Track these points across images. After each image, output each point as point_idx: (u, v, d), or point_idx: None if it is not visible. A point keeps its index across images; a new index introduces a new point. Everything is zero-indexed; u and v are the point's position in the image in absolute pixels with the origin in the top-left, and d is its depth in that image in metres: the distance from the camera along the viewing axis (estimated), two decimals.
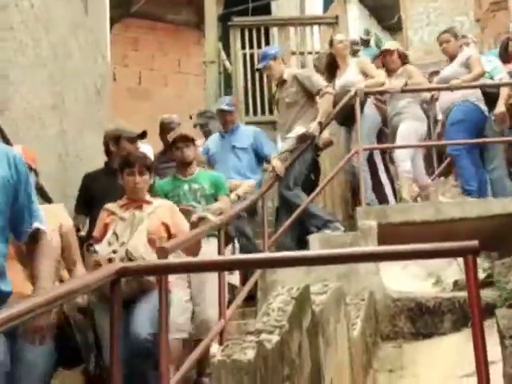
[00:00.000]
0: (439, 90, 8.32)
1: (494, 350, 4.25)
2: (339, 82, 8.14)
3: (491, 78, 8.41)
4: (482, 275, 7.48)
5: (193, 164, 6.10)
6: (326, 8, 14.42)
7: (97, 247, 4.70)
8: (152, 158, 6.51)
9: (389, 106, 8.10)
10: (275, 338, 3.89)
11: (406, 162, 7.90)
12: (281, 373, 3.89)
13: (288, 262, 3.52)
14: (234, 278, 6.33)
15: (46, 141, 5.96)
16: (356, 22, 18.63)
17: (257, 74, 10.52)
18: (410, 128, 7.88)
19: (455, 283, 7.67)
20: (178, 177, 6.12)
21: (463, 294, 6.93)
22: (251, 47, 10.55)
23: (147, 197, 5.15)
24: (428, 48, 16.70)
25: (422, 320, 6.86)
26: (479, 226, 7.28)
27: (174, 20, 14.26)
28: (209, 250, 5.51)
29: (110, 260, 4.55)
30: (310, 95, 7.59)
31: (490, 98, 8.07)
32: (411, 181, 8.12)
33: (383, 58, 8.35)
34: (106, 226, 4.92)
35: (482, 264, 7.96)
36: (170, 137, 6.18)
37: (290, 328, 4.12)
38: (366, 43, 12.02)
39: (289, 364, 4.05)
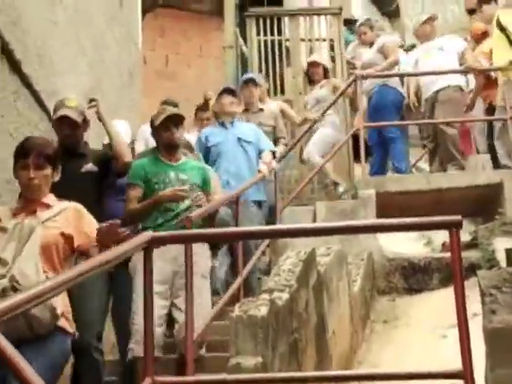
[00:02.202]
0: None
1: (478, 304, 4.34)
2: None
3: None
4: (467, 238, 7.54)
5: (179, 149, 4.76)
6: None
7: None
8: (129, 135, 5.37)
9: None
10: (285, 295, 4.00)
11: (317, 156, 7.78)
12: (290, 326, 4.00)
13: (299, 233, 3.56)
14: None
15: None
16: (358, 9, 18.49)
17: (270, 58, 10.54)
18: (323, 135, 7.80)
19: (443, 245, 7.73)
20: (161, 159, 4.65)
21: (449, 254, 6.99)
22: (265, 34, 10.55)
23: (48, 198, 3.52)
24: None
25: (413, 277, 6.93)
26: (466, 195, 7.31)
27: (197, 9, 14.28)
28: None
29: None
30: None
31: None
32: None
33: (310, 68, 8.26)
34: None
35: (468, 228, 8.01)
36: (157, 117, 4.69)
37: (298, 287, 4.22)
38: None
39: (297, 318, 4.15)
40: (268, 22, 10.56)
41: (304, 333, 4.26)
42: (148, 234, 3.04)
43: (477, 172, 7.58)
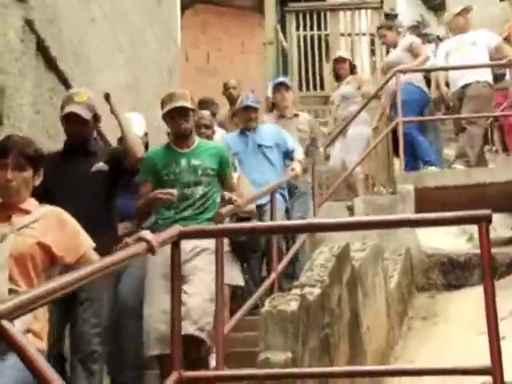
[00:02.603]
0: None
1: None
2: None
3: None
4: (509, 233, 7.43)
5: (192, 134, 4.49)
6: None
7: None
8: (142, 128, 5.02)
9: (342, 111, 7.84)
10: (317, 290, 3.95)
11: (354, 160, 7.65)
12: (321, 321, 3.96)
13: (336, 228, 3.56)
14: (238, 277, 5.01)
15: None
16: (404, 3, 18.26)
17: (309, 53, 10.52)
18: (358, 133, 7.68)
19: None
20: (173, 148, 4.46)
21: (491, 250, 6.89)
22: (305, 29, 10.54)
23: (28, 204, 3.08)
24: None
25: (453, 273, 6.86)
26: (507, 190, 7.18)
27: (239, 5, 14.29)
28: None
29: None
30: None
31: (427, 81, 8.00)
32: (363, 180, 8.02)
33: (336, 64, 8.12)
34: None
35: (510, 223, 7.90)
36: (163, 105, 4.46)
37: (330, 282, 4.17)
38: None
39: (329, 313, 4.11)
40: (308, 16, 10.56)
41: (337, 328, 4.21)
42: (176, 228, 3.05)
43: None
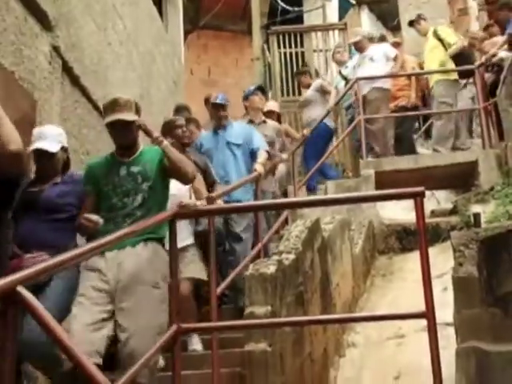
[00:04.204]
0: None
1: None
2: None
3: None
4: (450, 206, 7.41)
5: (136, 144, 3.41)
6: (340, 15, 13.98)
7: None
8: (59, 143, 3.46)
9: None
10: (292, 256, 3.96)
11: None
12: (296, 280, 3.96)
13: (311, 204, 3.80)
14: (201, 272, 4.28)
15: None
16: (366, 24, 18.21)
17: (289, 66, 10.47)
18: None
19: (432, 212, 7.60)
20: (115, 157, 3.44)
21: (435, 219, 6.90)
22: (284, 47, 10.52)
23: None
24: (416, 42, 16.32)
25: (406, 239, 6.83)
26: (448, 171, 7.16)
27: (232, 29, 14.28)
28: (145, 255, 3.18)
29: None
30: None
31: None
32: None
33: (265, 114, 7.20)
34: None
35: (451, 198, 7.88)
36: (104, 113, 3.40)
37: (303, 249, 4.17)
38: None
39: (303, 274, 4.11)
40: (287, 37, 10.52)
41: (310, 286, 4.22)
42: (173, 209, 3.02)
43: (457, 153, 7.43)
